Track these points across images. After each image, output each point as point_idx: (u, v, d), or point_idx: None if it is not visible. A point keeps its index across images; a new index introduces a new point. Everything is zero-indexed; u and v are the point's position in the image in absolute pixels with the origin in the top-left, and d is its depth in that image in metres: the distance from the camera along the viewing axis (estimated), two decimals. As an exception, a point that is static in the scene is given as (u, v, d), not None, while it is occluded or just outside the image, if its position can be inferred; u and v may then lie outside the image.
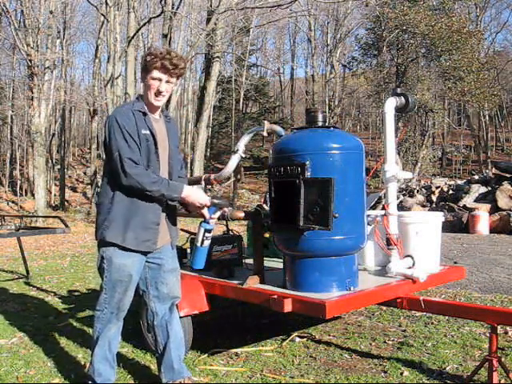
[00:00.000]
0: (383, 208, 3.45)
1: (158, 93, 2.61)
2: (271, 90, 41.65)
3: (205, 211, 2.72)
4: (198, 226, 2.78)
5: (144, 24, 21.29)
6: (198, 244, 2.74)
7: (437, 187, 14.97)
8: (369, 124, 45.12)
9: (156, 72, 2.57)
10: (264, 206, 3.95)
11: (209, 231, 2.74)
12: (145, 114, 2.61)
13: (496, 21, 39.12)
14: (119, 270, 2.61)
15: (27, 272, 6.62)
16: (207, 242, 2.75)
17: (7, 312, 4.88)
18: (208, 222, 2.74)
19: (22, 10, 20.90)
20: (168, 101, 15.67)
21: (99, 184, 23.95)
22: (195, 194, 2.66)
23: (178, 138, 2.91)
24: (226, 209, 2.92)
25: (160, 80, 2.59)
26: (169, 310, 2.82)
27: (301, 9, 23.75)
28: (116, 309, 2.67)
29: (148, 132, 2.58)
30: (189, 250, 4.03)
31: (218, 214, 2.79)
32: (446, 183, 15.74)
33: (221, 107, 35.31)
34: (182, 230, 3.70)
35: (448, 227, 10.77)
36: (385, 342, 3.65)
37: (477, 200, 12.70)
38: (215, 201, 2.74)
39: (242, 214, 3.50)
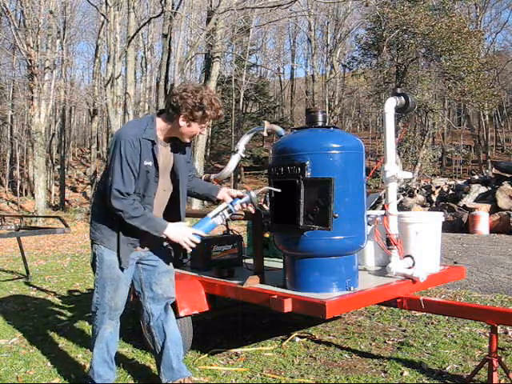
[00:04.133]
0: (383, 208, 3.45)
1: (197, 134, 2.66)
2: (271, 90, 41.60)
3: (237, 195, 2.78)
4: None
5: (144, 24, 21.34)
6: (210, 215, 2.68)
7: (437, 187, 14.96)
8: (369, 124, 45.13)
9: (208, 122, 2.62)
10: (264, 205, 3.94)
11: (229, 211, 2.70)
12: (154, 143, 2.55)
13: (496, 21, 39.10)
14: (110, 267, 2.63)
15: (27, 272, 6.62)
16: (217, 220, 2.69)
17: (7, 312, 4.88)
18: (234, 205, 2.72)
19: (22, 10, 20.94)
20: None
21: (99, 184, 23.94)
22: (177, 235, 2.59)
23: (188, 154, 2.81)
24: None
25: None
26: (164, 310, 2.83)
27: (301, 9, 23.75)
28: (108, 308, 2.67)
29: (151, 163, 2.54)
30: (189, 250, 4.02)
31: (246, 206, 2.79)
32: (446, 183, 15.74)
33: (221, 107, 35.21)
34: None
35: (448, 227, 10.76)
36: (385, 341, 3.65)
37: (477, 200, 12.69)
38: (252, 194, 2.75)
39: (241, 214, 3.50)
